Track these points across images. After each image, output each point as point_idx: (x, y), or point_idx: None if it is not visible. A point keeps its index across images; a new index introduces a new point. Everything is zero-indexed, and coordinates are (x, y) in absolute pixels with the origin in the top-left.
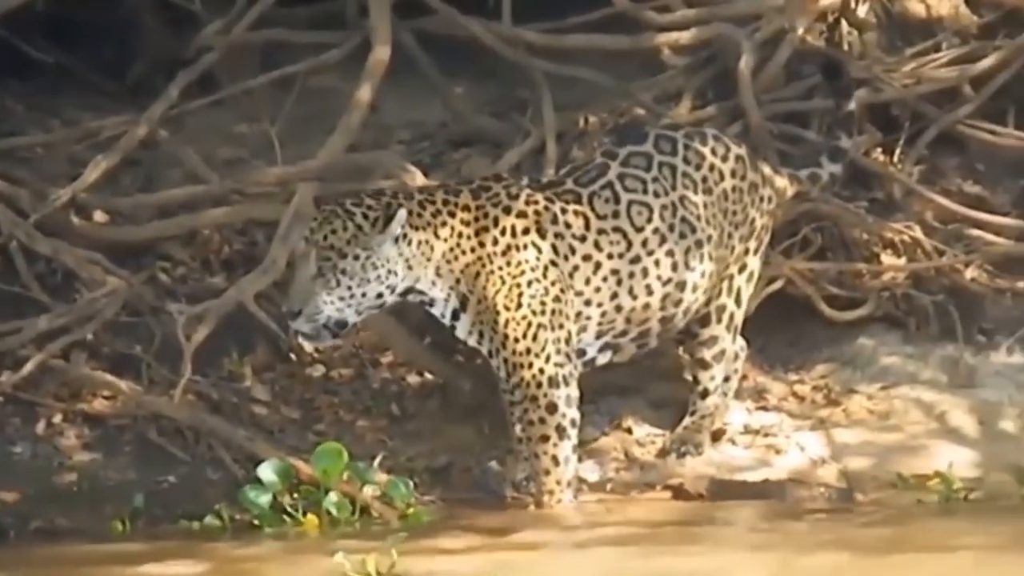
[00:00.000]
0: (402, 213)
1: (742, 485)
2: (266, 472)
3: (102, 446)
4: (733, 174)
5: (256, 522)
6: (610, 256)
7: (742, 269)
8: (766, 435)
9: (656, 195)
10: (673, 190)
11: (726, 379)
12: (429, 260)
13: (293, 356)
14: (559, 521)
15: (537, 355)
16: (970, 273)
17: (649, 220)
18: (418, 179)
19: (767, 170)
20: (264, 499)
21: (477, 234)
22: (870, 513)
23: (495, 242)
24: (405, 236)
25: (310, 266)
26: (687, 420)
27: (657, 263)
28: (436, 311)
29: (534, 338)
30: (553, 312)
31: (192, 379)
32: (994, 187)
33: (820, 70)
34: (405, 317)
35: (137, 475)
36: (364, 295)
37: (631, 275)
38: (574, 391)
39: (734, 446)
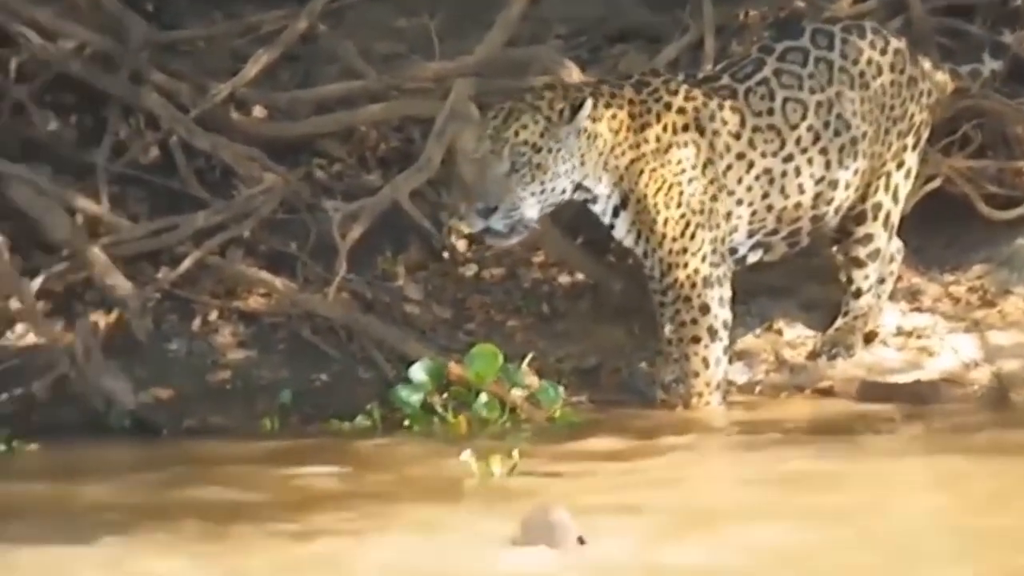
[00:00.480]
0: (588, 104)
1: (893, 387)
2: (417, 372)
3: (256, 344)
4: (892, 68)
5: (406, 422)
6: (763, 155)
7: (900, 166)
8: (919, 337)
9: (812, 91)
10: (829, 86)
11: (881, 281)
12: (600, 154)
13: (446, 255)
14: (707, 423)
15: (693, 255)
16: None
17: (804, 117)
18: (575, 74)
19: (927, 64)
20: (415, 399)
21: (641, 130)
22: (1022, 416)
23: (657, 139)
24: (584, 129)
25: (503, 162)
26: (839, 321)
27: (810, 161)
28: (598, 208)
29: (692, 237)
30: (710, 212)
31: (346, 277)
32: None
33: None
34: (557, 217)
35: (289, 373)
36: (554, 189)
37: (783, 174)
38: (727, 292)
39: (886, 348)
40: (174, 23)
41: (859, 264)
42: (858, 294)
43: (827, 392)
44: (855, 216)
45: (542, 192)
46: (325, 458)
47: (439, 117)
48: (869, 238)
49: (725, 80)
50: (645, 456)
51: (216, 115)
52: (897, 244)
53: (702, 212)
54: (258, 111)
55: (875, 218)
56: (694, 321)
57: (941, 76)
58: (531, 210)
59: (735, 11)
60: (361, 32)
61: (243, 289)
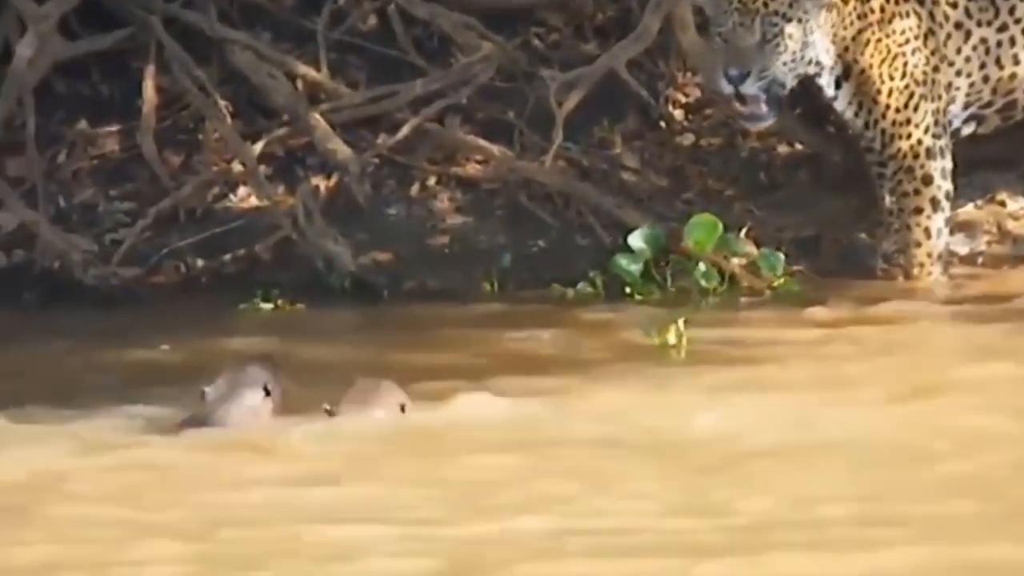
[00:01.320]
0: None
1: None
2: (636, 240)
3: (474, 210)
4: None
5: (627, 289)
6: (979, 24)
7: None
8: None
9: None
10: None
11: None
12: (832, 25)
13: (663, 124)
14: (929, 294)
15: (916, 126)
16: None
17: None
18: None
19: None
20: (635, 267)
21: (864, 1)
22: None
23: (881, 9)
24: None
25: (754, 33)
26: None
27: None
28: (823, 80)
29: (915, 109)
30: (933, 82)
31: (563, 145)
32: None
33: None
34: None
35: (507, 239)
36: (804, 58)
37: (999, 44)
38: (949, 163)
39: None
40: None
41: None
42: None
43: None
44: None
45: (793, 60)
46: (545, 322)
47: None
48: None
49: None
50: (864, 324)
51: None
52: None
53: (925, 83)
54: None
55: None
56: (916, 192)
57: None
58: (784, 76)
59: None
60: None
61: (461, 156)
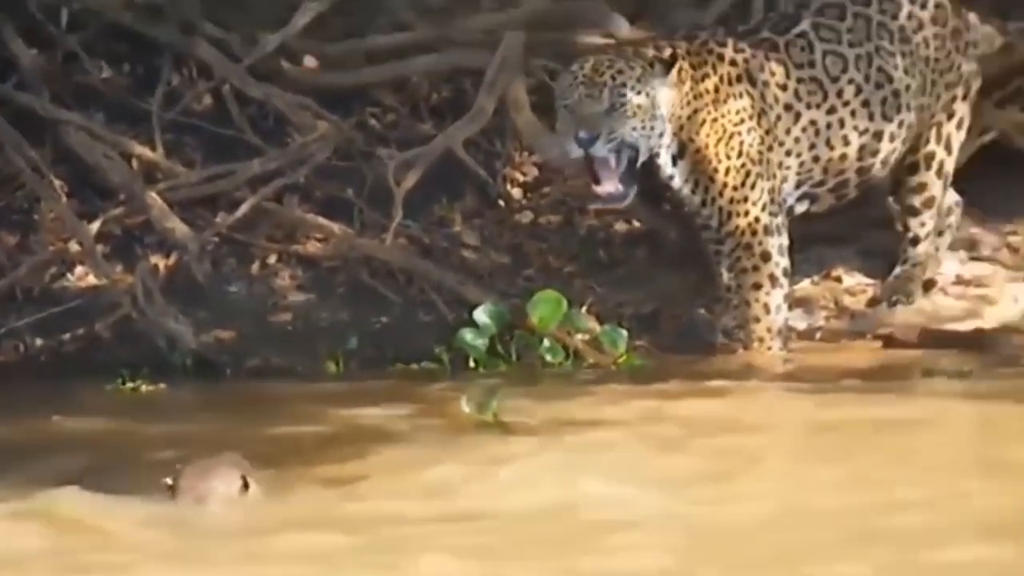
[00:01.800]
0: (679, 62)
1: (953, 335)
2: (481, 315)
3: (315, 287)
4: (934, 21)
5: (472, 365)
6: (808, 106)
7: (951, 116)
8: (978, 286)
9: (851, 45)
10: (868, 40)
11: (940, 233)
12: (671, 105)
13: (501, 203)
14: (768, 369)
15: (754, 203)
16: None
17: (844, 70)
18: (624, 29)
19: (972, 17)
20: (480, 342)
21: (701, 80)
22: None
23: (716, 89)
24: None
25: (602, 102)
26: (898, 269)
27: (853, 114)
28: (661, 159)
29: (752, 187)
30: (767, 161)
31: (403, 223)
32: None
33: None
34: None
35: (349, 316)
36: (653, 130)
37: (828, 126)
38: (785, 240)
39: (946, 296)
40: None
41: (914, 212)
42: (915, 242)
43: (887, 339)
44: (908, 166)
45: (642, 127)
46: (388, 399)
47: (490, 68)
48: (923, 187)
49: (766, 33)
50: (702, 398)
51: (268, 65)
52: (955, 197)
53: (760, 162)
54: (309, 61)
55: (928, 167)
56: (755, 268)
57: (988, 30)
58: (635, 140)
59: None
60: None
61: (301, 234)
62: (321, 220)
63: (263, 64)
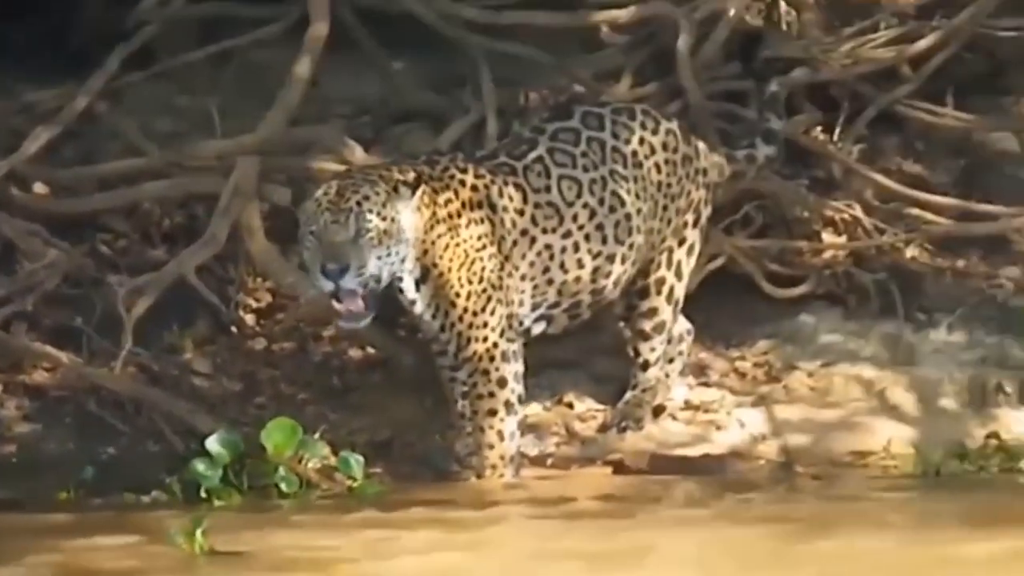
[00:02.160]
0: (424, 187)
1: (682, 460)
2: (213, 444)
3: (42, 417)
4: (664, 147)
5: (204, 494)
6: (544, 231)
7: (682, 242)
8: (707, 411)
9: (585, 169)
10: (602, 164)
11: (670, 360)
12: (415, 230)
13: (234, 329)
14: (500, 496)
15: (492, 329)
16: (910, 252)
17: (579, 194)
18: (358, 154)
19: (702, 145)
20: (213, 471)
21: (444, 205)
22: (808, 489)
23: (458, 214)
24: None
25: (348, 229)
26: (628, 394)
27: (587, 237)
28: (404, 283)
29: (491, 312)
30: (506, 287)
31: (133, 351)
32: (933, 167)
33: (736, 52)
34: None
35: (77, 447)
36: (398, 255)
37: (563, 249)
38: (521, 367)
39: (675, 421)
40: None
41: (645, 337)
42: (645, 367)
43: (617, 465)
44: (639, 291)
45: (388, 255)
46: (118, 530)
47: (223, 194)
48: (654, 311)
49: (503, 158)
50: (435, 527)
51: None
52: (686, 325)
53: (499, 288)
54: (40, 187)
55: (658, 292)
56: (491, 395)
57: (717, 158)
58: (380, 270)
59: (515, 93)
60: (141, 110)
61: (28, 363)
62: (49, 349)
63: None
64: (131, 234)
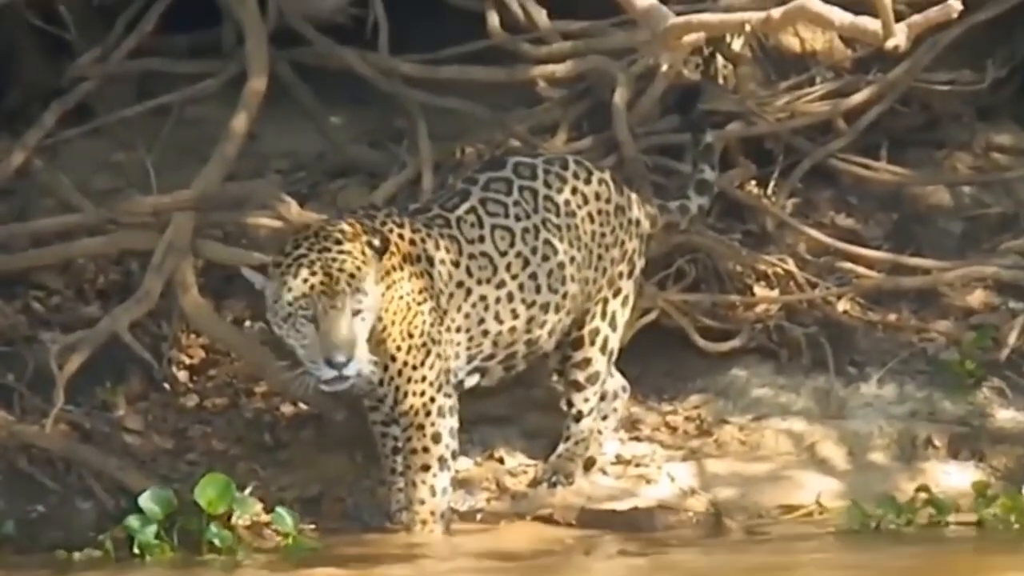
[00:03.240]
0: (390, 244)
1: (611, 514)
2: (146, 501)
3: None
4: (597, 197)
5: (136, 551)
6: (479, 282)
7: (616, 293)
8: (638, 465)
9: (518, 219)
10: (535, 213)
11: (604, 417)
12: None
13: (167, 386)
14: (429, 551)
15: (431, 384)
16: (842, 305)
17: (512, 244)
18: (294, 209)
19: (634, 196)
20: (148, 528)
21: (382, 261)
22: (737, 543)
23: (398, 268)
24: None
25: (346, 313)
26: (561, 447)
27: (521, 287)
28: None
29: (430, 367)
30: (442, 342)
31: (64, 408)
32: (866, 220)
33: (674, 104)
34: (279, 347)
35: (5, 504)
36: (372, 319)
37: (497, 300)
38: (456, 423)
39: (605, 476)
40: None
41: (579, 388)
42: (579, 417)
43: (547, 519)
44: (573, 342)
45: (368, 325)
46: None
47: (158, 250)
48: (588, 362)
49: (436, 210)
50: None
51: None
52: (621, 382)
53: (437, 342)
54: None
55: (592, 343)
56: (425, 449)
57: (650, 209)
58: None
59: (452, 147)
60: (77, 166)
61: None
62: None
63: None
64: (64, 291)
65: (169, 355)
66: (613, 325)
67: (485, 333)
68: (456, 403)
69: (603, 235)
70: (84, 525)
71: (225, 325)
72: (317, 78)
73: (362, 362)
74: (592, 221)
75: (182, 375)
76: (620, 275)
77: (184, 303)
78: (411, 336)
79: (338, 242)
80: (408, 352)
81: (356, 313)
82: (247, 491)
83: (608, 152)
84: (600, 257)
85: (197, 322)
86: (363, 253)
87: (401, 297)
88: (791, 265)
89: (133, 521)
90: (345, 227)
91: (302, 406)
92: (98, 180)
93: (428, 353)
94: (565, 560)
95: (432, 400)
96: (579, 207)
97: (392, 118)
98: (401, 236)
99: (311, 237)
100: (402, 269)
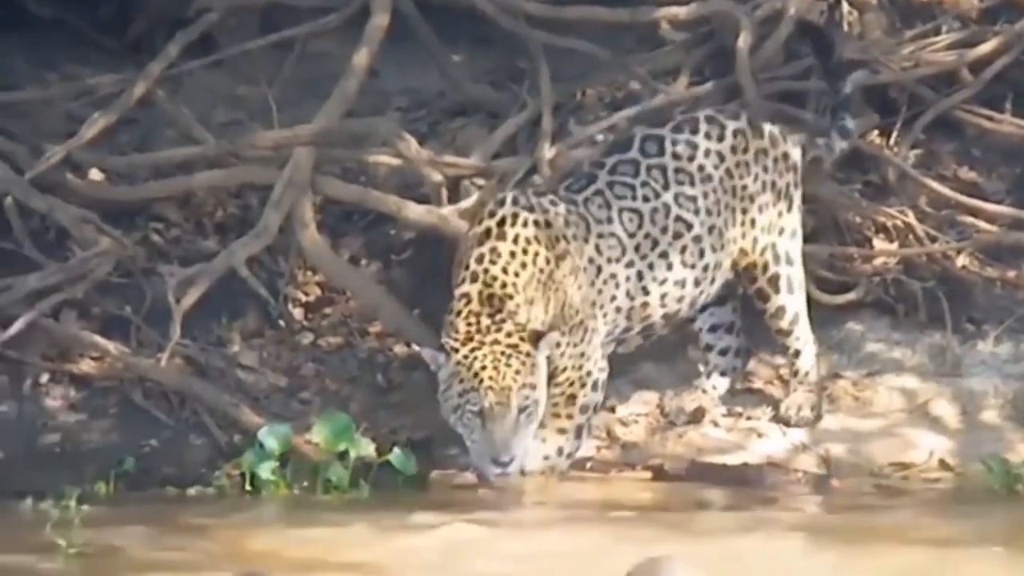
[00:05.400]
0: (552, 336)
1: (721, 468)
2: (266, 437)
3: (87, 407)
4: (734, 150)
5: (249, 488)
6: (609, 260)
7: (781, 232)
8: (749, 418)
9: (645, 199)
10: (665, 190)
11: (723, 374)
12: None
13: (282, 323)
14: (538, 498)
15: (588, 358)
16: (961, 260)
17: (640, 225)
18: (412, 147)
19: (776, 131)
20: (266, 464)
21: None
22: (846, 500)
23: (552, 245)
24: None
25: (511, 411)
26: (794, 387)
27: (651, 266)
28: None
29: (588, 342)
30: (596, 316)
31: (180, 343)
32: (989, 174)
33: (812, 50)
34: (395, 287)
35: (120, 438)
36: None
37: (627, 279)
38: (601, 396)
39: (716, 428)
40: (9, 84)
41: (785, 334)
42: (797, 355)
43: (658, 470)
44: (757, 295)
45: (539, 417)
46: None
47: (277, 185)
48: (781, 310)
49: (563, 193)
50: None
51: (52, 177)
52: (746, 344)
53: (592, 317)
54: (95, 174)
55: (777, 290)
56: (570, 416)
57: (794, 142)
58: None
59: (573, 89)
60: (199, 98)
61: (76, 352)
62: (97, 338)
63: (47, 176)
64: (183, 223)
65: (285, 292)
66: (790, 262)
67: (618, 310)
68: (606, 376)
69: (744, 187)
70: (197, 461)
71: (342, 263)
72: (439, 16)
73: (528, 457)
74: (732, 177)
75: (297, 313)
76: (779, 214)
77: (302, 239)
78: (573, 315)
79: (508, 334)
80: (569, 332)
81: (523, 410)
82: (359, 431)
83: (729, 98)
84: (745, 211)
85: (314, 259)
86: (527, 345)
87: (564, 277)
88: (911, 218)
89: (250, 457)
90: (513, 308)
91: (415, 347)
92: (219, 113)
93: (585, 330)
94: (670, 513)
95: (588, 374)
96: (715, 168)
97: (514, 58)
98: (546, 222)
99: (483, 318)
100: (555, 247)
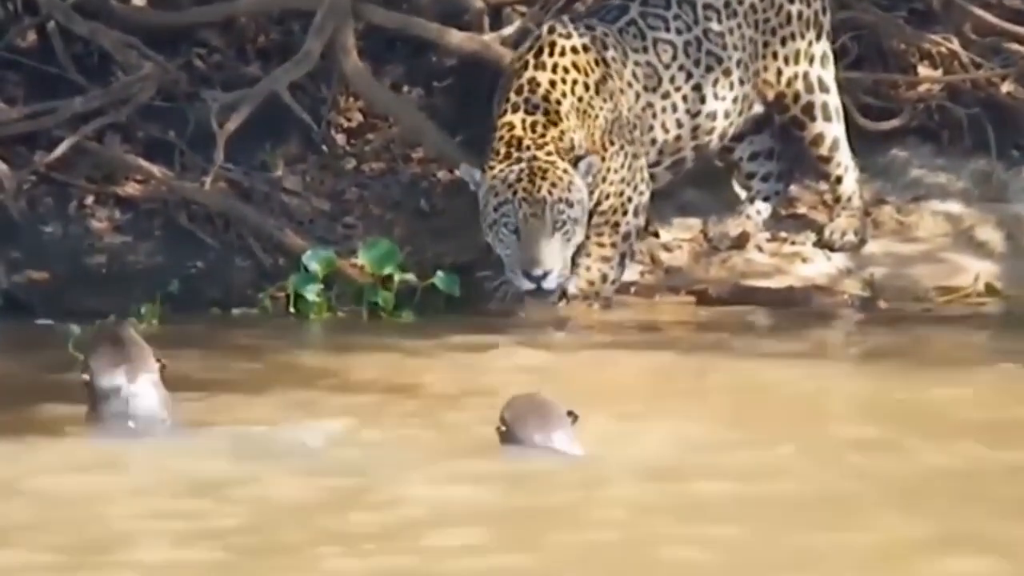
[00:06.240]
0: (592, 159)
1: (766, 291)
2: (311, 260)
3: (132, 229)
4: None
5: (293, 310)
6: (646, 88)
7: (811, 60)
8: (793, 243)
9: (679, 32)
10: (696, 25)
11: (766, 199)
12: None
13: (325, 148)
14: (582, 321)
15: (628, 183)
16: (1006, 87)
17: (674, 57)
18: None
19: None
20: (311, 287)
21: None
22: (890, 322)
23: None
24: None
25: (546, 224)
26: (838, 212)
27: (685, 99)
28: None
29: (628, 167)
30: (636, 140)
31: (224, 167)
32: None
33: None
34: (436, 112)
35: (165, 260)
36: (581, 228)
37: (663, 109)
38: (644, 221)
39: (760, 252)
40: None
41: (826, 160)
42: (839, 181)
43: (700, 295)
44: (793, 124)
45: (576, 238)
46: (206, 343)
47: (319, 11)
48: (820, 136)
49: (595, 22)
50: (525, 348)
51: (95, 2)
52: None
53: (631, 142)
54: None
55: (812, 118)
56: (613, 244)
57: None
58: (570, 257)
59: None
60: None
61: (120, 175)
62: (141, 161)
63: (90, 1)
64: (226, 49)
65: (328, 118)
66: (824, 88)
67: (653, 142)
68: (647, 201)
69: (767, 20)
70: (242, 283)
71: (384, 90)
72: None
73: (564, 274)
74: (756, 11)
75: (340, 138)
76: (809, 43)
77: (344, 66)
78: (611, 144)
79: (549, 153)
80: (609, 158)
81: (558, 226)
82: (402, 256)
83: None
84: (767, 44)
85: (356, 86)
86: (566, 163)
87: (603, 103)
88: (956, 45)
89: (297, 280)
90: (556, 134)
91: (458, 173)
92: None
93: (626, 155)
94: (714, 335)
95: (629, 200)
96: (740, 3)
97: None
98: (577, 47)
99: (525, 142)
100: (604, 79)
